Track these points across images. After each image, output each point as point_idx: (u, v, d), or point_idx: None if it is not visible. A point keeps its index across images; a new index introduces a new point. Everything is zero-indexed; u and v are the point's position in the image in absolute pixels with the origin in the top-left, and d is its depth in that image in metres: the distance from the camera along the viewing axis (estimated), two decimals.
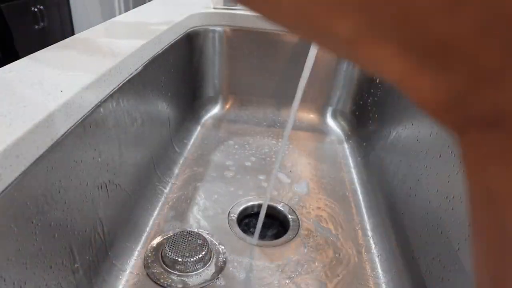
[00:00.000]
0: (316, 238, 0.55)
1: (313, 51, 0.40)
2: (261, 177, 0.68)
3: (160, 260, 0.48)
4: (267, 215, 0.60)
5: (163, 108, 0.65)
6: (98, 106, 0.41)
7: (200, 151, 0.74)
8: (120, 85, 0.46)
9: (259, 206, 0.60)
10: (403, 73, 0.08)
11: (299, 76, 0.41)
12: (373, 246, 0.55)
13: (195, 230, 0.53)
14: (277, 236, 0.57)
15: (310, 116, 0.86)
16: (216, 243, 0.52)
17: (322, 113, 0.86)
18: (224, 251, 0.51)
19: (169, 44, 0.64)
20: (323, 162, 0.74)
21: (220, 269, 0.48)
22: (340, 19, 0.08)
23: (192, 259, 0.47)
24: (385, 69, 0.09)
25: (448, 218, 0.40)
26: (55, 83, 0.37)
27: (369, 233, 0.57)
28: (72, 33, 2.10)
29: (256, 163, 0.72)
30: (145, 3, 0.90)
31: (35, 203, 0.32)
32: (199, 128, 0.82)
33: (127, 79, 0.48)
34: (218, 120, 0.86)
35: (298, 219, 0.59)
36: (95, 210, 0.43)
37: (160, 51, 0.60)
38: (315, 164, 0.73)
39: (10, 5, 1.61)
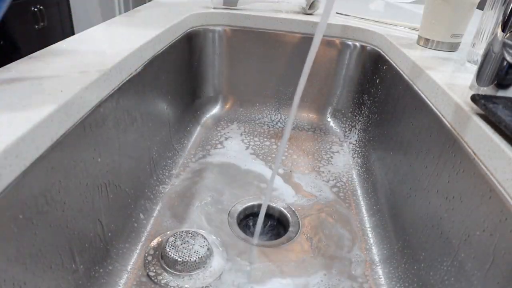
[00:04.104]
0: (316, 238, 0.55)
1: (313, 51, 0.40)
2: (261, 177, 0.68)
3: (160, 260, 0.48)
4: (267, 215, 0.60)
5: (163, 108, 0.65)
6: (98, 106, 0.41)
7: (200, 151, 0.74)
8: (120, 85, 0.46)
9: (259, 206, 0.60)
10: None
11: (299, 76, 0.41)
12: (373, 246, 0.55)
13: (195, 230, 0.53)
14: (277, 236, 0.57)
15: (310, 116, 0.86)
16: (216, 243, 0.52)
17: (322, 113, 0.86)
18: (224, 251, 0.51)
19: (169, 44, 0.64)
20: (323, 162, 0.74)
21: (220, 269, 0.48)
22: None
23: (192, 259, 0.47)
24: None
25: (448, 218, 0.40)
26: (55, 83, 0.37)
27: (369, 233, 0.57)
28: (72, 33, 2.10)
29: (256, 163, 0.72)
30: (145, 3, 0.90)
31: (35, 203, 0.32)
32: (199, 128, 0.82)
33: (127, 79, 0.48)
34: (218, 120, 0.86)
35: (298, 219, 0.59)
36: (95, 210, 0.43)
37: (160, 51, 0.60)
38: (315, 164, 0.73)
39: (10, 5, 1.60)
